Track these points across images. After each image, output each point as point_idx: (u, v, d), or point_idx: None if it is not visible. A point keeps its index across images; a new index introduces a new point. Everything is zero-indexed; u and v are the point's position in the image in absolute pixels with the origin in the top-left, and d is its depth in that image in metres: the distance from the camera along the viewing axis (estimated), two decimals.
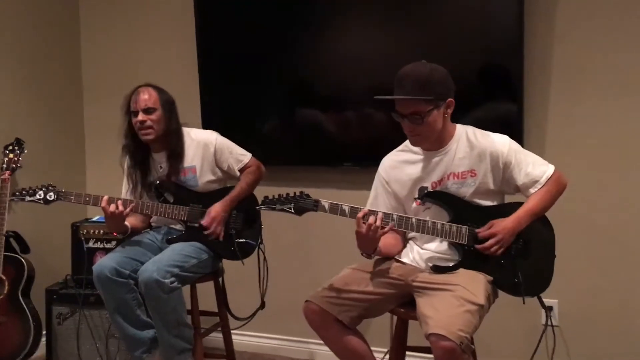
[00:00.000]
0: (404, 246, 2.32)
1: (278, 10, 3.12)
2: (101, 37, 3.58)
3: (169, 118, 2.65)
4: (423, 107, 2.08)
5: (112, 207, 2.52)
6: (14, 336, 2.90)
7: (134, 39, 3.51)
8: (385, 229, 2.11)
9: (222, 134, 2.78)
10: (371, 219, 2.08)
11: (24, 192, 2.58)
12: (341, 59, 3.03)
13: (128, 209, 2.55)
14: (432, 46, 2.79)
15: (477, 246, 2.15)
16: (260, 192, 2.37)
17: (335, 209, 2.15)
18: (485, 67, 2.79)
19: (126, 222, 2.63)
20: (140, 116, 2.60)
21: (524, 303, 2.18)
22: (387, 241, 2.24)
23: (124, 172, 2.76)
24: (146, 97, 2.62)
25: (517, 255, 2.18)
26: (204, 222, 2.64)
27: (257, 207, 2.28)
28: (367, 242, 2.13)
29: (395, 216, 2.15)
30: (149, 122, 2.61)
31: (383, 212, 2.14)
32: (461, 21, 2.81)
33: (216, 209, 2.65)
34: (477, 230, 2.16)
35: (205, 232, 2.64)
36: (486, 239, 2.14)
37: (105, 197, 2.54)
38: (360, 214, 2.10)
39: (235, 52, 3.21)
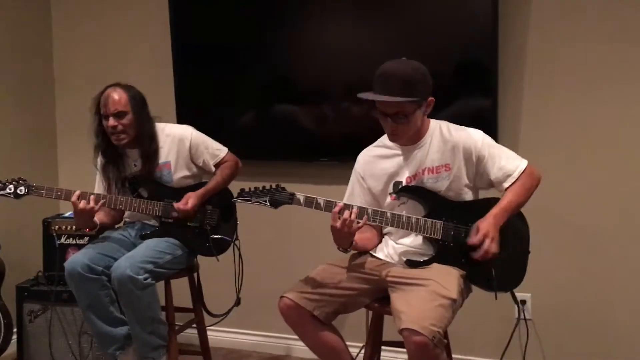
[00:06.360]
0: (380, 241, 2.33)
1: (254, 4, 3.10)
2: (73, 30, 3.52)
3: (140, 118, 2.59)
4: (408, 108, 2.09)
5: (82, 204, 2.48)
6: None
7: (107, 31, 3.46)
8: (360, 224, 2.11)
9: (198, 129, 2.75)
10: (346, 214, 2.09)
11: None
12: (318, 54, 3.03)
13: (98, 205, 2.51)
14: (408, 41, 2.80)
15: (476, 256, 2.10)
16: (235, 187, 2.35)
17: (310, 202, 2.15)
18: (461, 63, 2.80)
19: (95, 218, 2.59)
20: (112, 121, 2.55)
21: (496, 299, 2.20)
22: (363, 235, 2.25)
23: (98, 171, 2.72)
24: (116, 99, 2.55)
25: None
26: (179, 203, 2.60)
27: (232, 200, 2.27)
28: (343, 237, 2.13)
29: (370, 210, 2.16)
30: (120, 127, 2.56)
31: (358, 207, 2.14)
32: (437, 16, 2.83)
33: (192, 198, 2.62)
34: (467, 241, 2.13)
35: (176, 205, 2.59)
36: (477, 245, 2.11)
37: (77, 192, 2.50)
38: (336, 209, 2.10)
39: (211, 46, 3.19)
